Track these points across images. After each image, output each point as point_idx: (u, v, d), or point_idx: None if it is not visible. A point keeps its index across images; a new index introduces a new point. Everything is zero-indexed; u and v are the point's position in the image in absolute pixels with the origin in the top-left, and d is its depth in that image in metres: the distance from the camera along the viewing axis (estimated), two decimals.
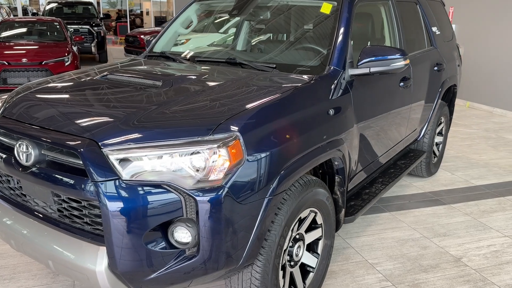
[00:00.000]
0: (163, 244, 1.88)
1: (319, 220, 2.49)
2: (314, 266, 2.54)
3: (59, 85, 2.57)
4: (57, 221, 2.06)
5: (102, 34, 13.59)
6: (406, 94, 3.54)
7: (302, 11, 3.19)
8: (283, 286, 2.30)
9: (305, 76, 2.57)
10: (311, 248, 2.55)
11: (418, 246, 3.31)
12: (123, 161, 1.84)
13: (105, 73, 2.62)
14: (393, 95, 3.31)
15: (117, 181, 1.81)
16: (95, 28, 13.44)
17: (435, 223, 3.69)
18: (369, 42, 3.57)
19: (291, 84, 2.43)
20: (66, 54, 8.70)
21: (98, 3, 22.44)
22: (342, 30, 2.79)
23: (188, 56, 3.15)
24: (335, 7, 2.92)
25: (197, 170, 1.83)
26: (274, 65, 2.73)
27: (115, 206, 1.79)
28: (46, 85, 2.57)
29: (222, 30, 3.87)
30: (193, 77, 2.52)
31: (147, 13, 25.08)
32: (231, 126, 1.91)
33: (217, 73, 2.68)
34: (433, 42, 4.28)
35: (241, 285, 2.15)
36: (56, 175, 1.93)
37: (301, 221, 2.36)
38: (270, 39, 3.19)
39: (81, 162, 1.87)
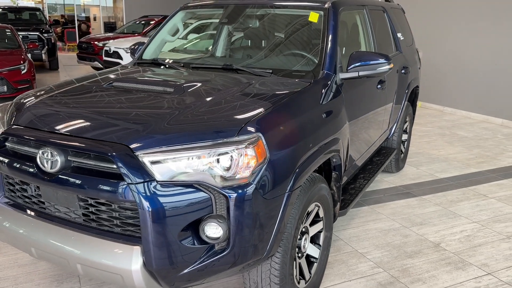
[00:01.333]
0: (195, 240, 1.99)
1: (321, 213, 2.69)
2: (317, 257, 2.72)
3: (67, 93, 2.60)
4: (83, 226, 2.12)
5: (52, 41, 13.19)
6: (382, 96, 3.83)
7: (291, 19, 3.38)
8: (296, 276, 2.47)
9: (303, 80, 2.77)
10: (314, 240, 2.74)
11: (399, 235, 3.59)
12: (155, 163, 1.94)
13: (110, 81, 2.68)
14: (373, 96, 3.58)
15: (152, 182, 1.91)
16: (45, 35, 13.03)
17: (411, 213, 4.00)
18: (344, 49, 3.82)
19: (294, 87, 2.61)
20: (22, 62, 8.42)
21: (42, 8, 21.64)
22: (330, 37, 3.01)
23: (182, 63, 3.24)
24: (322, 16, 3.15)
25: (226, 170, 1.96)
26: (271, 71, 2.91)
27: (151, 206, 1.89)
28: (54, 93, 2.59)
29: (209, 38, 3.98)
30: (200, 83, 2.63)
31: (95, 19, 24.48)
32: (253, 127, 2.06)
33: (220, 79, 2.81)
34: (398, 47, 4.62)
35: (260, 276, 2.30)
36: (86, 180, 1.99)
37: (307, 215, 2.55)
38: (261, 46, 3.35)
39: (112, 166, 1.95)
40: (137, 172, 1.91)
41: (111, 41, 12.32)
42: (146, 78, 2.91)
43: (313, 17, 3.17)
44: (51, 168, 2.06)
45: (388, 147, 4.65)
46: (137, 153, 1.94)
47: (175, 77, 2.98)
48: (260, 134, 2.05)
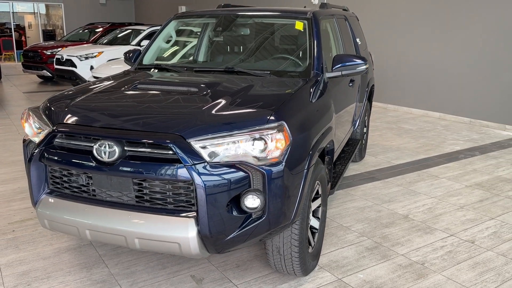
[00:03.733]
0: (237, 210, 2.42)
1: (320, 191, 3.19)
2: (317, 228, 3.22)
3: (101, 94, 2.92)
4: (135, 206, 2.47)
5: None
6: (352, 93, 4.42)
7: (279, 28, 3.88)
8: (309, 239, 2.95)
9: (299, 79, 3.26)
10: (314, 214, 3.23)
11: (374, 210, 4.19)
12: (204, 148, 2.35)
13: (135, 83, 3.02)
14: (347, 93, 4.16)
15: (203, 164, 2.32)
16: None
17: (379, 193, 4.63)
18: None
19: (294, 84, 3.10)
20: None
21: None
22: (316, 42, 3.54)
23: (185, 67, 3.63)
24: (306, 24, 3.67)
25: (261, 151, 2.41)
26: (269, 71, 3.38)
27: (205, 182, 2.30)
28: (88, 95, 2.90)
29: (204, 44, 4.36)
30: (217, 83, 3.05)
31: (30, 27, 23.60)
32: (278, 116, 2.52)
33: (230, 79, 3.21)
34: (357, 51, 5.26)
35: (282, 242, 2.75)
36: (145, 166, 2.35)
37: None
38: (254, 51, 3.81)
39: (167, 152, 2.34)
40: (191, 156, 2.31)
41: (61, 49, 12.20)
42: (165, 80, 3.25)
43: (299, 25, 3.69)
44: (108, 158, 2.40)
45: (354, 138, 5.28)
46: (189, 141, 2.34)
47: (189, 79, 3.31)
48: (283, 122, 2.52)
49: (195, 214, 2.39)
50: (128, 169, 2.39)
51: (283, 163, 2.45)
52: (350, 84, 4.26)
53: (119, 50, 10.94)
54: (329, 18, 4.27)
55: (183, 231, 2.35)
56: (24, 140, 2.94)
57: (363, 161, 5.75)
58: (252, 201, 2.41)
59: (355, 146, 4.99)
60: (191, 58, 4.24)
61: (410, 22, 8.88)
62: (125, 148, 2.42)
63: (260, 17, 3.86)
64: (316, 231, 3.20)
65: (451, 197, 4.58)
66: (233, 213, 2.41)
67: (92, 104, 2.75)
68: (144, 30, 11.72)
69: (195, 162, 2.31)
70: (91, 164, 2.45)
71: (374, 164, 5.63)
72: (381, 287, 2.96)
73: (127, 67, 8.66)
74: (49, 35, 20.80)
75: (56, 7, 20.68)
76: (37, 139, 2.76)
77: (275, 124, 2.47)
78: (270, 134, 2.41)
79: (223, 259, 3.27)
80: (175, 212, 2.41)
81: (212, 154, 2.36)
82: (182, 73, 3.52)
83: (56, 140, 2.59)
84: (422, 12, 8.65)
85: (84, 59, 10.61)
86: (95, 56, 10.64)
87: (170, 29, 4.18)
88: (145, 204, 2.47)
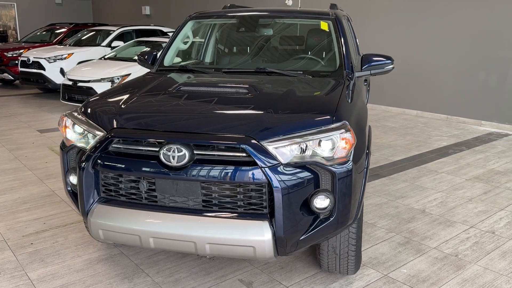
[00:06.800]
0: (307, 211, 2.41)
1: None
2: None
3: (149, 97, 2.81)
4: (202, 211, 2.40)
5: None
6: (365, 91, 4.51)
7: (303, 28, 3.89)
8: None
9: (336, 78, 3.29)
10: None
11: (391, 207, 4.30)
12: (277, 149, 2.32)
13: (178, 86, 2.93)
14: (364, 91, 4.24)
15: (278, 165, 2.29)
16: None
17: (389, 190, 4.75)
18: (322, 53, 4.43)
19: (336, 83, 3.12)
20: None
21: None
22: (343, 41, 3.59)
23: (214, 68, 3.56)
24: (331, 24, 3.71)
25: (330, 151, 2.41)
26: (302, 72, 3.39)
27: (281, 184, 2.27)
28: (137, 97, 2.79)
29: (226, 45, 4.29)
30: (261, 84, 3.01)
31: None
32: (340, 116, 2.53)
33: (271, 79, 3.16)
34: (358, 51, 5.37)
35: (339, 241, 2.77)
36: (219, 169, 2.29)
37: None
38: (283, 51, 3.80)
39: (239, 155, 2.29)
40: (266, 158, 2.28)
41: (23, 51, 11.60)
42: (207, 82, 3.14)
43: (324, 25, 3.72)
44: (177, 163, 2.32)
45: None
46: (262, 142, 2.31)
47: (228, 80, 3.23)
48: (346, 122, 2.54)
49: (268, 216, 2.36)
50: (198, 173, 2.32)
51: (351, 162, 2.46)
52: (365, 83, 4.35)
53: (90, 52, 10.55)
54: (344, 19, 4.33)
55: (258, 234, 2.31)
56: (63, 147, 2.78)
57: None
58: (322, 202, 2.41)
59: None
60: (214, 59, 4.16)
61: (387, 22, 9.17)
62: (194, 151, 2.35)
63: (283, 18, 3.86)
64: None
65: (456, 190, 4.77)
66: (305, 214, 2.40)
67: (146, 107, 2.64)
68: (114, 30, 11.37)
69: (271, 164, 2.28)
70: (155, 169, 2.36)
71: (373, 161, 5.76)
72: (427, 280, 3.04)
73: (111, 68, 8.38)
74: (1, 36, 19.68)
75: (7, 7, 19.60)
76: (83, 145, 2.62)
77: (340, 124, 2.48)
78: (339, 133, 2.42)
79: (264, 262, 3.24)
80: (246, 215, 2.37)
81: (284, 155, 2.33)
82: (214, 75, 3.45)
83: (112, 145, 2.47)
84: (398, 12, 8.95)
85: (53, 61, 10.14)
86: (65, 58, 10.20)
87: (187, 30, 4.09)
88: (213, 208, 2.40)
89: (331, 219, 2.45)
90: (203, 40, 4.25)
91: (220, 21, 4.21)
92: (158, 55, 3.89)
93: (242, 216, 2.36)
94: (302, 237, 2.41)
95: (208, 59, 4.24)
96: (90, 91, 8.21)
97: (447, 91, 8.42)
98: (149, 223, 2.42)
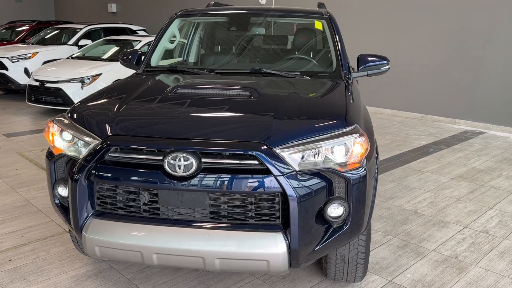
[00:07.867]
0: (321, 220, 2.28)
1: None
2: None
3: (146, 102, 2.61)
4: (210, 223, 2.23)
5: None
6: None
7: (299, 27, 3.76)
8: None
9: (333, 80, 3.18)
10: None
11: (383, 208, 4.25)
12: (290, 155, 2.18)
13: (175, 89, 2.73)
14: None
15: (293, 173, 2.15)
16: None
17: (378, 190, 4.70)
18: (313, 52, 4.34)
19: (336, 84, 3.01)
20: None
21: None
22: (338, 42, 3.49)
23: (205, 69, 3.38)
24: (325, 24, 3.61)
25: (343, 156, 2.29)
26: (299, 73, 3.27)
27: (297, 192, 2.13)
28: (131, 101, 2.57)
29: (217, 45, 4.11)
30: (263, 86, 2.85)
31: None
32: (351, 120, 2.42)
33: (269, 81, 3.02)
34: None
35: (348, 249, 2.66)
36: (228, 179, 2.13)
37: None
38: (276, 52, 3.66)
39: (251, 163, 2.14)
40: (280, 165, 2.14)
41: None
42: (204, 85, 2.95)
43: (318, 25, 3.61)
44: (183, 172, 2.14)
45: None
46: (274, 149, 2.16)
47: (225, 81, 3.07)
48: (357, 125, 2.43)
49: (281, 227, 2.22)
50: (206, 183, 2.15)
51: (365, 168, 2.35)
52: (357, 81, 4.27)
53: (56, 51, 10.08)
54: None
55: (272, 247, 2.16)
56: (50, 157, 2.54)
57: None
58: (336, 210, 2.29)
59: None
60: (205, 60, 3.98)
61: (361, 21, 9.19)
62: (202, 160, 2.18)
63: (276, 17, 3.72)
64: None
65: (443, 190, 4.78)
66: (320, 224, 2.27)
67: (144, 112, 2.45)
68: (81, 29, 10.91)
69: (285, 172, 2.14)
70: (159, 179, 2.17)
71: None
72: (433, 284, 2.98)
73: (80, 68, 8.01)
74: None
75: None
76: (74, 154, 2.40)
77: (352, 128, 2.37)
78: (353, 138, 2.31)
79: (277, 275, 3.09)
80: (257, 226, 2.22)
81: (298, 162, 2.20)
82: (208, 76, 3.27)
83: (109, 154, 2.27)
84: (373, 11, 8.99)
85: (16, 60, 9.61)
86: (29, 57, 9.69)
87: (174, 29, 3.89)
88: (222, 220, 2.24)
89: (345, 227, 2.34)
90: (191, 40, 4.06)
91: (208, 19, 4.03)
92: (143, 56, 3.67)
93: (253, 227, 2.21)
94: (316, 248, 2.29)
95: (197, 59, 4.05)
96: (59, 92, 7.82)
97: (421, 90, 8.52)
98: (152, 238, 2.23)
